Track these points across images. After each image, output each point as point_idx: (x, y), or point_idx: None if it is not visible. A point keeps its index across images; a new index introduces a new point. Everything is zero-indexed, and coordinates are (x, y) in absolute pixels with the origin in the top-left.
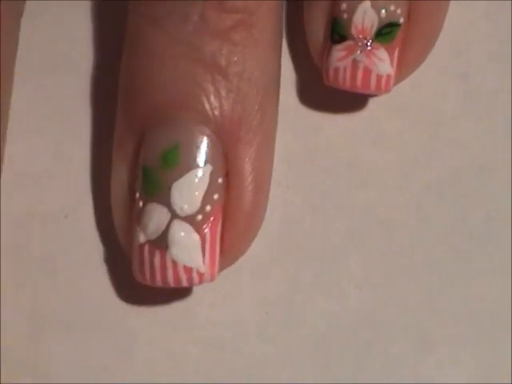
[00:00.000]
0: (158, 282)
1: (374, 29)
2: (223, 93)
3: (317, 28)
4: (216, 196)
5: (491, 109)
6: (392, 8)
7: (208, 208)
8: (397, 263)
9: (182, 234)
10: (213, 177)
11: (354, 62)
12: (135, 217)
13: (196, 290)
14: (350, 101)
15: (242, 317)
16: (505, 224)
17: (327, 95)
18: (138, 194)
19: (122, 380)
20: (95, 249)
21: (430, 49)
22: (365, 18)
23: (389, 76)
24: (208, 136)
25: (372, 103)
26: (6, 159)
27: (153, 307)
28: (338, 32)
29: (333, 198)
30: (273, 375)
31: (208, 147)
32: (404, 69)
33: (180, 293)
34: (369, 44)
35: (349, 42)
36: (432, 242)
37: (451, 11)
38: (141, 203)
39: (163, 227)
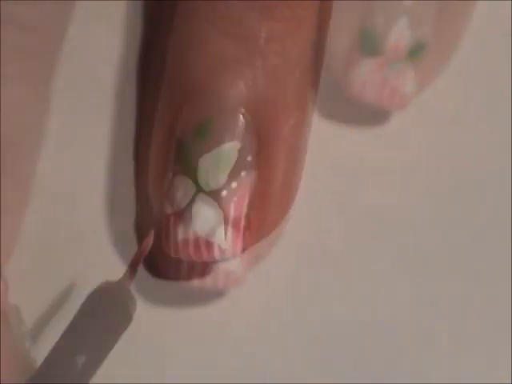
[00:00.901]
0: (180, 254)
1: (407, 48)
2: (260, 73)
3: (341, 38)
4: (244, 173)
5: (491, 109)
6: (425, 29)
7: (234, 184)
8: (397, 263)
9: (205, 208)
10: (242, 154)
11: (384, 79)
12: (165, 188)
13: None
14: (350, 101)
15: (243, 317)
16: (505, 224)
17: (327, 96)
18: (169, 166)
19: (121, 380)
20: (95, 249)
21: (443, 71)
22: (400, 36)
23: (411, 96)
24: (241, 113)
25: None
26: None
27: (152, 307)
28: (369, 45)
29: (333, 197)
30: (273, 375)
31: (240, 124)
32: (419, 90)
33: (180, 293)
34: (401, 63)
35: (380, 58)
36: (433, 242)
37: None
38: (171, 175)
39: (188, 200)
